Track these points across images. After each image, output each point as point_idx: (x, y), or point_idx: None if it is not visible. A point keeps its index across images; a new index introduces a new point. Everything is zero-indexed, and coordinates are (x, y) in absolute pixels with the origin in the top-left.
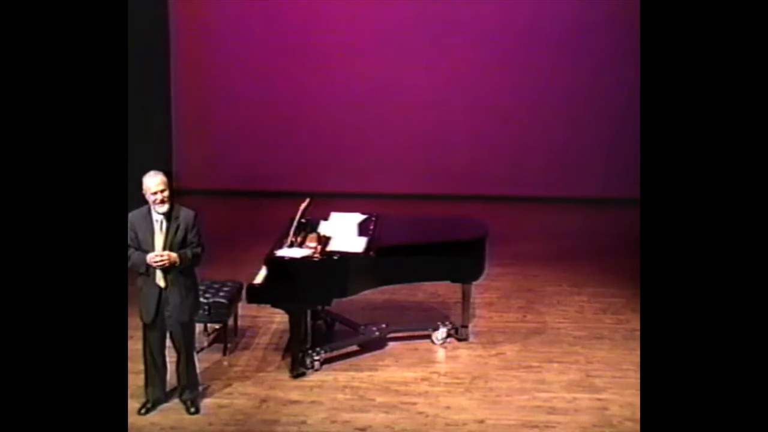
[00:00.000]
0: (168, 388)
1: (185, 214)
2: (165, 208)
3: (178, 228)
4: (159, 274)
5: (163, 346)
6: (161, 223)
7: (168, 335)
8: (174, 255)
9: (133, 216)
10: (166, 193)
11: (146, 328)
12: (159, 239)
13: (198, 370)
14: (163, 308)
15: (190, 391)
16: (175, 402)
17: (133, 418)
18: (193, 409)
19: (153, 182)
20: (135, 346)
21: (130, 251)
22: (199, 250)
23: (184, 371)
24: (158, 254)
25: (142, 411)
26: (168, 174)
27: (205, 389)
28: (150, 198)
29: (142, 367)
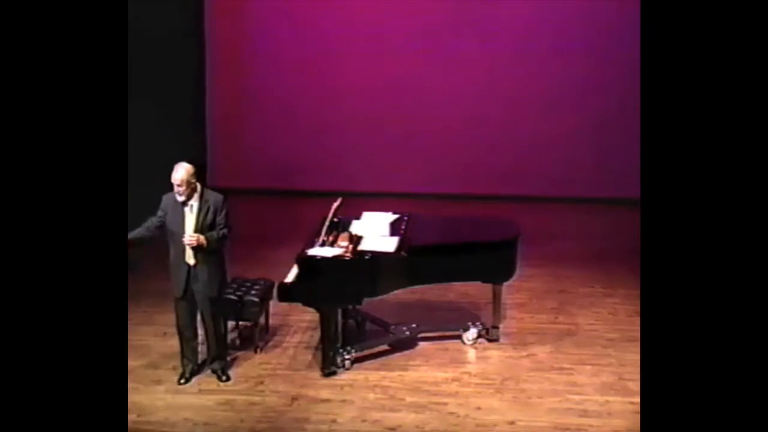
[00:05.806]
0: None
1: (215, 197)
2: (182, 199)
3: (208, 211)
4: (189, 253)
5: (192, 319)
6: (192, 206)
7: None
8: (202, 237)
9: (167, 197)
10: (182, 188)
11: (176, 301)
12: (190, 222)
13: (227, 341)
14: (191, 284)
15: (219, 361)
16: (208, 397)
17: (166, 413)
18: (224, 378)
19: (174, 177)
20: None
21: (153, 220)
22: (225, 230)
23: (213, 343)
24: (189, 236)
25: (182, 381)
26: (202, 167)
27: (232, 360)
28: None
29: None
